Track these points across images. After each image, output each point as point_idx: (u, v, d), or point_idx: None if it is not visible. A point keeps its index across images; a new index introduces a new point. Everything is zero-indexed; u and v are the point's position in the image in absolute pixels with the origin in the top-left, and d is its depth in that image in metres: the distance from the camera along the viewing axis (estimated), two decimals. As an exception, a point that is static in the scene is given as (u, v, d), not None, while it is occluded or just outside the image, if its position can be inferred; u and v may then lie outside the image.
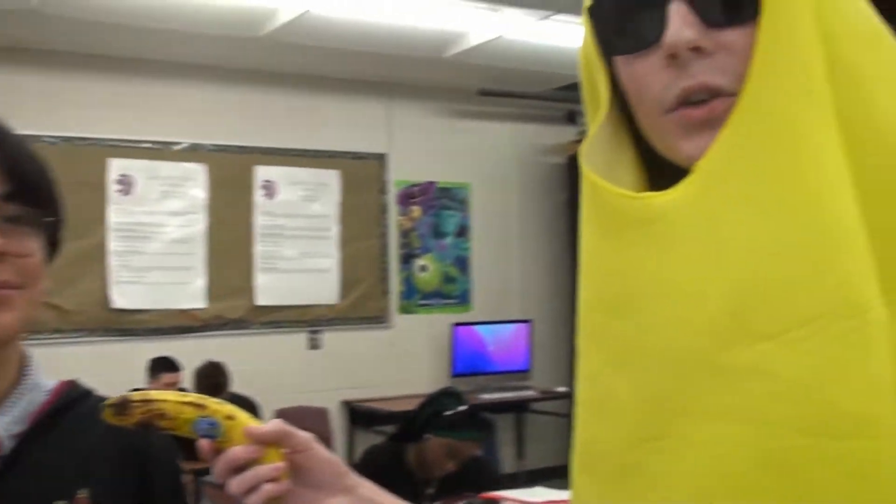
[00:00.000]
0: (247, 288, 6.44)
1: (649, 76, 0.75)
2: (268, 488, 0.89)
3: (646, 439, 0.71)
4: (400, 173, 7.07)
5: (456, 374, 6.94)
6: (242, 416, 0.92)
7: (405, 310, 7.08)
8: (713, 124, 0.72)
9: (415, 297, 7.13)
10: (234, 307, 6.38)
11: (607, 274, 0.75)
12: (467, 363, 7.05)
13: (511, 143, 7.59)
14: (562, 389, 7.43)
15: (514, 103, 7.40)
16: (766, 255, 0.68)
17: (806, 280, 0.66)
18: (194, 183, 6.31)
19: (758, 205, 0.68)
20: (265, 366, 6.33)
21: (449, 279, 7.29)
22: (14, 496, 0.97)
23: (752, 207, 0.69)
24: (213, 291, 6.32)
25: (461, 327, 7.09)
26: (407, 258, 7.11)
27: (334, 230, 6.76)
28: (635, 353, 0.72)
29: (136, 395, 0.92)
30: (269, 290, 6.51)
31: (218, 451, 0.90)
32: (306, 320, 6.64)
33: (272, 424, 0.92)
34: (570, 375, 7.48)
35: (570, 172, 7.70)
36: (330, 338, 6.74)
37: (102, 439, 1.06)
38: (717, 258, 0.69)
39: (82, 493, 1.01)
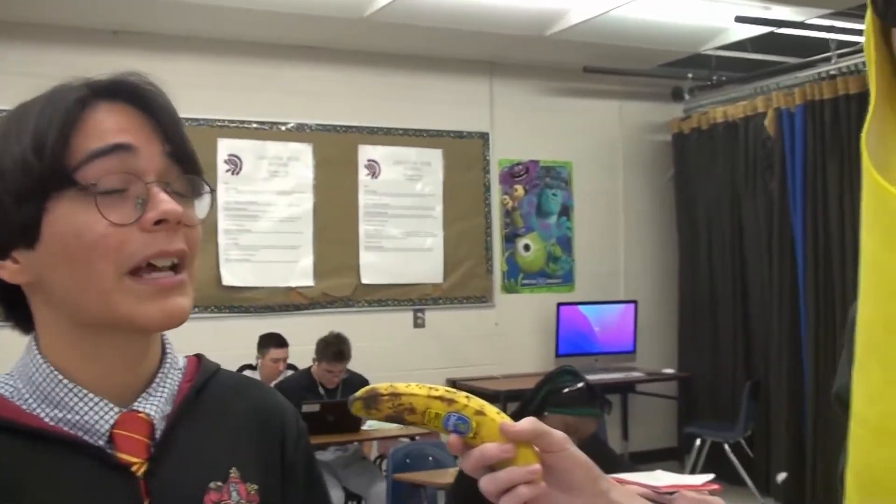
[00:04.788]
0: (353, 266, 6.50)
1: None
2: (523, 491, 0.85)
3: None
4: (503, 152, 7.03)
5: (561, 355, 6.88)
6: (491, 411, 0.89)
7: (508, 289, 7.05)
8: None
9: (518, 277, 7.10)
10: (340, 285, 6.45)
11: (891, 288, 0.66)
12: (572, 343, 6.98)
13: (615, 120, 7.48)
14: (668, 371, 7.31)
15: (619, 80, 7.27)
16: None
17: None
18: (301, 162, 6.40)
19: None
20: (372, 343, 6.38)
21: (553, 259, 7.23)
22: (172, 480, 0.94)
23: None
24: (320, 270, 6.40)
25: (566, 307, 7.02)
26: (510, 237, 7.08)
27: (438, 209, 6.77)
28: None
29: (384, 389, 0.89)
30: (374, 268, 6.56)
31: (466, 447, 0.88)
32: (411, 299, 6.67)
33: (527, 423, 0.88)
34: (675, 357, 7.39)
35: (676, 150, 7.55)
36: (434, 317, 6.75)
37: (243, 416, 1.03)
38: None
39: (233, 473, 0.98)
